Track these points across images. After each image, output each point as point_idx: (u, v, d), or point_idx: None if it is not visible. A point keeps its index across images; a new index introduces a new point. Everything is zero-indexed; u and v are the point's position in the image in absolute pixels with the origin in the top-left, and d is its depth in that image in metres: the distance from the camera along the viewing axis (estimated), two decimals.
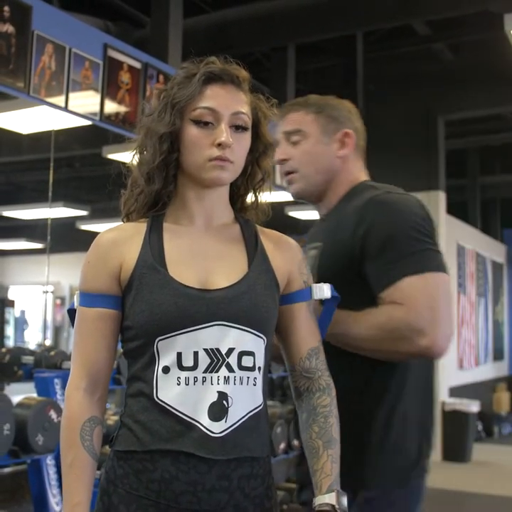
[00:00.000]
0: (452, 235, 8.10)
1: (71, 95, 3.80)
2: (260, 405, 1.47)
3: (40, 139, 4.35)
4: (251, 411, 1.45)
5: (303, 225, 6.62)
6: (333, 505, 1.40)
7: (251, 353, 1.45)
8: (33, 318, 12.52)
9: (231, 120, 1.47)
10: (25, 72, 3.51)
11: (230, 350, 1.42)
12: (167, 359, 1.41)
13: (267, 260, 1.53)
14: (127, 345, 1.48)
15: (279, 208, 6.23)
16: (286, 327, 1.57)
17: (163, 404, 1.41)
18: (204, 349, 1.41)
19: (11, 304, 13.14)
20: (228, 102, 1.47)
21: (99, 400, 1.48)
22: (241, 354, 1.43)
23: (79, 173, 8.29)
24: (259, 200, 1.62)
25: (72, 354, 1.50)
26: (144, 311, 1.42)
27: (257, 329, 1.45)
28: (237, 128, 1.48)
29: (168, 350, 1.42)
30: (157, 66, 4.48)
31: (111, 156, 5.30)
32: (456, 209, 8.64)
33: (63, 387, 3.35)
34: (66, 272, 12.77)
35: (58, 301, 13.12)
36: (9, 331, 12.89)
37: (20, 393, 3.62)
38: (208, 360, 1.41)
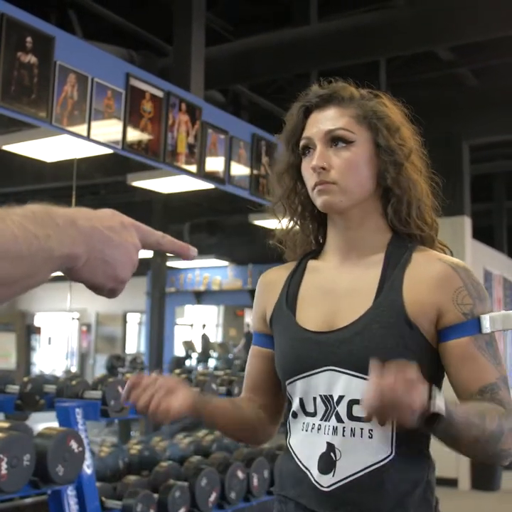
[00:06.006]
0: (479, 260, 8.02)
1: (93, 124, 3.82)
2: (384, 460, 1.30)
3: (65, 167, 4.38)
4: (369, 467, 1.30)
5: None
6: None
7: None
8: (59, 345, 12.56)
9: (327, 140, 1.40)
10: (48, 102, 3.54)
11: (340, 398, 1.34)
12: (294, 404, 1.42)
13: (398, 292, 1.35)
14: None
15: None
16: (446, 368, 1.36)
17: (290, 449, 1.41)
18: (320, 395, 1.36)
19: (38, 331, 13.21)
20: (321, 124, 1.41)
21: (261, 406, 1.54)
22: (351, 403, 1.32)
23: (104, 200, 8.35)
24: (405, 218, 1.44)
25: None
26: (277, 355, 1.45)
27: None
28: (336, 144, 1.40)
29: (294, 395, 1.42)
30: (179, 95, 4.50)
31: (135, 184, 5.33)
32: (482, 234, 8.56)
33: (84, 416, 3.32)
34: (93, 299, 12.80)
35: (84, 328, 13.18)
36: (35, 357, 12.94)
37: (43, 422, 3.60)
38: (324, 408, 1.36)
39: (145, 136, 4.20)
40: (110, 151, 4.03)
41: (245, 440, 1.67)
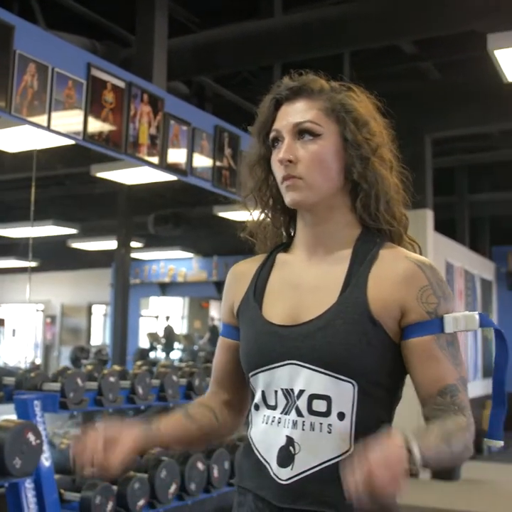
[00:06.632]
0: (440, 252, 8.10)
1: (54, 114, 3.79)
2: (343, 455, 1.30)
3: (27, 158, 4.34)
4: (327, 461, 1.30)
5: None
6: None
7: (324, 397, 1.31)
8: (23, 337, 12.45)
9: (295, 133, 1.39)
10: (7, 92, 3.50)
11: (301, 392, 1.33)
12: (257, 396, 1.42)
13: (362, 289, 1.34)
14: None
15: None
16: (408, 367, 1.36)
17: (251, 441, 1.42)
18: (281, 389, 1.36)
19: (1, 322, 13.08)
20: (290, 117, 1.40)
21: (224, 402, 1.56)
22: (311, 397, 1.32)
23: (69, 191, 8.27)
24: (374, 213, 1.42)
25: None
26: (241, 347, 1.45)
27: (333, 370, 1.31)
28: (304, 137, 1.38)
29: (256, 388, 1.42)
30: (141, 85, 4.48)
31: (99, 175, 5.30)
32: (444, 226, 8.64)
33: (43, 409, 3.31)
34: (57, 291, 12.74)
35: (48, 320, 13.08)
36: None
37: (4, 415, 3.58)
38: (285, 401, 1.36)
39: (106, 127, 4.18)
40: (71, 141, 4.00)
41: (207, 444, 1.70)
